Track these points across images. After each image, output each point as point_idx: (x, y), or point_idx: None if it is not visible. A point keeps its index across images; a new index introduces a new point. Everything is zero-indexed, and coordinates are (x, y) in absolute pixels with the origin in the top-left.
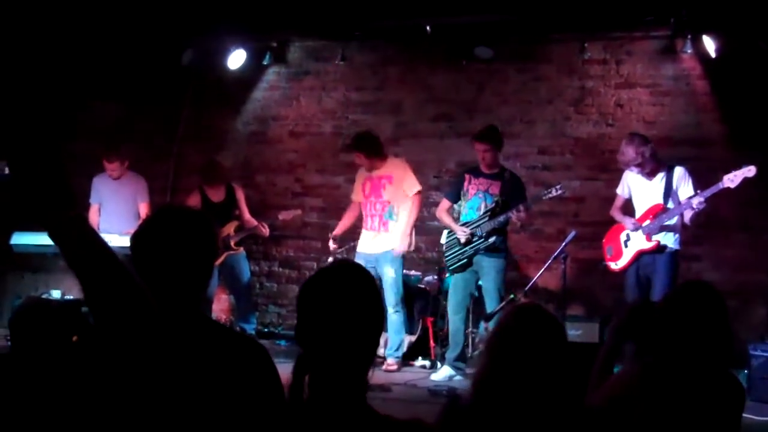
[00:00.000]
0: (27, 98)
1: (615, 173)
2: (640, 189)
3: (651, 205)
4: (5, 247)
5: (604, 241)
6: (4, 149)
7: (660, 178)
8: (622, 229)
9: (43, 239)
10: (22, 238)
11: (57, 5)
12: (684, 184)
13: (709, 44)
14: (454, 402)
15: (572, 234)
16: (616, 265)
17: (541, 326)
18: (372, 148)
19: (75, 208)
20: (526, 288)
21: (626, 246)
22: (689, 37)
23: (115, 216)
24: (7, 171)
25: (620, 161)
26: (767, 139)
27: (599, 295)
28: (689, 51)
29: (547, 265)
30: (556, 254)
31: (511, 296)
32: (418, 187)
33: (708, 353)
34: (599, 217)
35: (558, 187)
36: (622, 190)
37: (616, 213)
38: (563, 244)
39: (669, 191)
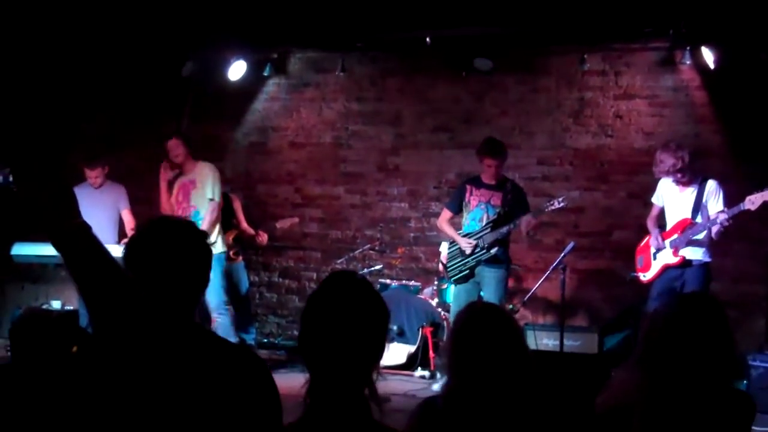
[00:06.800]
0: (30, 109)
1: (614, 184)
2: (671, 200)
3: (680, 218)
4: (5, 257)
5: (637, 250)
6: (6, 157)
7: (691, 191)
8: None
9: (43, 250)
10: (22, 249)
11: (58, 17)
12: (714, 199)
13: (708, 56)
14: (426, 403)
15: (571, 245)
16: (644, 277)
17: (489, 323)
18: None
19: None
20: (525, 298)
21: (655, 258)
22: (688, 48)
23: (96, 225)
24: (11, 179)
25: (659, 171)
26: (766, 150)
27: (598, 306)
28: (688, 62)
29: (546, 275)
30: (555, 264)
31: (510, 307)
32: (210, 196)
33: (711, 366)
34: (598, 227)
35: (560, 199)
36: (657, 200)
37: (650, 223)
38: (562, 254)
39: (699, 205)
